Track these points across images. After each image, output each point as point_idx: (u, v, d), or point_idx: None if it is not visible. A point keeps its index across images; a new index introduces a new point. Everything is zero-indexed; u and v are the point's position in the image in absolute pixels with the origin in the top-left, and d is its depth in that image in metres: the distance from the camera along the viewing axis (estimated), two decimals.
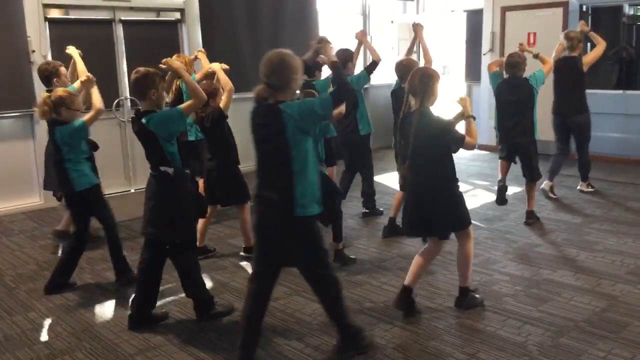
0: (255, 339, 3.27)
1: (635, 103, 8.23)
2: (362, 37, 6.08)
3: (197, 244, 4.99)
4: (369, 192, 6.24)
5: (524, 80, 5.52)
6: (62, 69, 5.21)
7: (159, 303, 4.08)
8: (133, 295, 3.96)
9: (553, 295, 4.16)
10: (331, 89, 3.23)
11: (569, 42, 6.39)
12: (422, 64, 5.87)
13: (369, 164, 6.14)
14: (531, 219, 5.82)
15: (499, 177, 5.95)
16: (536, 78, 5.54)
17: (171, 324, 3.91)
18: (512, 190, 6.92)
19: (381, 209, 6.27)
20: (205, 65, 5.55)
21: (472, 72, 10.10)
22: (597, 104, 8.25)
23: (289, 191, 2.99)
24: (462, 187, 7.23)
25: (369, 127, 5.98)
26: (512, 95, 5.59)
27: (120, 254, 4.61)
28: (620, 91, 8.43)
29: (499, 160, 5.98)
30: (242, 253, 5.11)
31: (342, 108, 4.30)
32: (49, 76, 5.15)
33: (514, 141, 5.70)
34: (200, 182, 5.71)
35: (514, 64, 5.53)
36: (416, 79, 3.67)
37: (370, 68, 5.82)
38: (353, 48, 6.06)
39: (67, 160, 4.30)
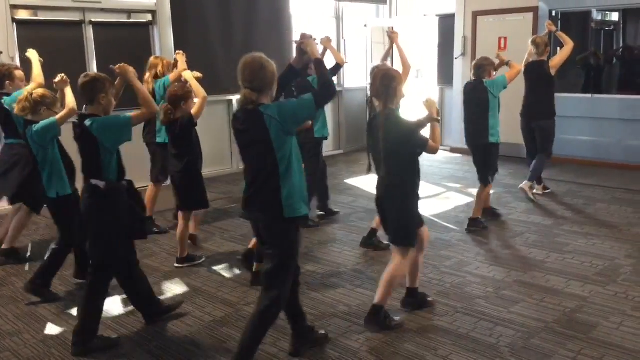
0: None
1: (603, 107, 8.40)
2: (327, 43, 6.09)
3: (180, 254, 4.94)
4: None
5: (481, 83, 5.55)
6: (17, 72, 5.06)
7: (124, 310, 4.03)
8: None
9: (524, 297, 4.21)
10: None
11: (536, 48, 6.49)
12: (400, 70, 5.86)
13: (314, 171, 5.91)
14: (474, 226, 5.70)
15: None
16: (494, 82, 5.55)
17: (143, 331, 3.85)
18: None
19: (315, 221, 6.08)
20: (182, 67, 5.52)
21: (445, 76, 10.20)
22: (566, 108, 8.42)
23: (276, 193, 2.99)
24: (435, 189, 7.43)
25: (324, 130, 5.92)
26: (470, 96, 5.70)
27: (50, 273, 4.36)
28: (589, 95, 8.59)
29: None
30: (175, 264, 4.95)
31: (307, 123, 4.31)
32: (1, 78, 5.01)
33: (470, 142, 5.80)
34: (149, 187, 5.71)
35: (478, 66, 5.60)
36: (377, 81, 3.65)
37: (334, 70, 5.84)
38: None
39: (41, 163, 4.15)
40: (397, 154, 3.61)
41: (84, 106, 3.61)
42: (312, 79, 5.42)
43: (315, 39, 3.32)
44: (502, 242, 5.41)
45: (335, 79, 7.01)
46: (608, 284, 4.41)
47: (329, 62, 6.26)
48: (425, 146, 3.63)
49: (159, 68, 5.75)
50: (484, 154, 5.66)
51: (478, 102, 5.57)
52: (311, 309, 4.08)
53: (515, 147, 8.41)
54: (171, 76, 5.48)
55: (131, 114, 3.52)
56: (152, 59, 5.98)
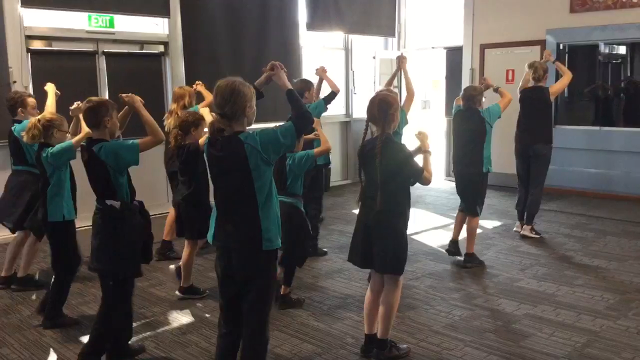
0: None
1: (611, 139, 8.40)
2: (322, 73, 6.21)
3: (183, 283, 4.90)
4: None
5: (477, 112, 5.55)
6: (30, 100, 5.12)
7: (135, 338, 4.00)
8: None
9: (534, 331, 4.16)
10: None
11: (534, 73, 6.42)
12: (403, 95, 5.90)
13: (318, 197, 5.92)
14: (470, 262, 5.58)
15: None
16: (490, 112, 5.56)
17: (146, 359, 3.83)
18: (492, 224, 6.99)
19: (325, 249, 6.09)
20: (209, 97, 5.58)
21: (452, 108, 10.21)
22: (575, 140, 8.45)
23: (255, 225, 2.89)
24: (441, 220, 7.40)
25: (325, 157, 5.89)
26: (464, 125, 5.67)
27: (59, 302, 4.36)
28: (597, 127, 8.60)
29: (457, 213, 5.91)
30: (177, 292, 4.92)
31: (328, 145, 4.32)
32: (14, 105, 5.08)
33: (462, 172, 5.71)
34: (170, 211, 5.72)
35: (469, 96, 5.59)
36: (375, 107, 3.62)
37: (329, 98, 5.97)
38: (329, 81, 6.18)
39: (52, 186, 4.21)
40: (394, 180, 3.57)
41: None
42: (308, 106, 5.42)
43: (285, 70, 3.24)
44: (511, 275, 5.36)
45: (343, 108, 6.98)
46: (619, 318, 4.35)
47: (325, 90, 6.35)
48: (419, 175, 3.61)
49: (187, 99, 5.81)
50: (477, 184, 5.60)
51: (474, 132, 5.55)
52: (318, 341, 4.04)
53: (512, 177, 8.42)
54: (200, 106, 5.56)
55: (139, 140, 3.60)
56: (177, 89, 6.04)
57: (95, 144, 3.50)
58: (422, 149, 3.80)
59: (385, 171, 3.55)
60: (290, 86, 3.07)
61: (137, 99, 3.73)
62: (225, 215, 2.99)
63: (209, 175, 4.96)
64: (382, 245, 3.59)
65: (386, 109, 3.59)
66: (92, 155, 3.51)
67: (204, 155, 3.05)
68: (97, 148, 3.48)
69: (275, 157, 2.97)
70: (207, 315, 4.55)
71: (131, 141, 3.61)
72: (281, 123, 2.96)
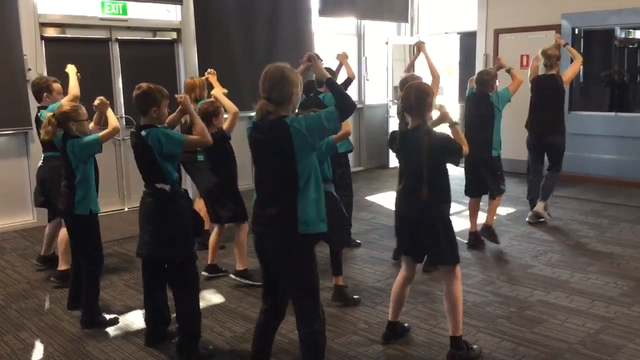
0: None
1: (627, 125, 8.31)
2: (343, 58, 6.15)
3: (209, 261, 5.03)
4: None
5: (487, 96, 5.54)
6: (55, 85, 5.11)
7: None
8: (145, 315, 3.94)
9: (547, 317, 4.16)
10: None
11: (547, 60, 6.32)
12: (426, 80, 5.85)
13: (348, 184, 5.88)
14: (488, 234, 5.75)
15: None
16: (499, 96, 5.56)
17: (162, 345, 3.87)
18: (505, 210, 6.97)
19: (358, 241, 6.01)
20: (217, 86, 5.59)
21: (465, 94, 10.16)
22: (590, 126, 8.36)
23: (292, 207, 2.90)
24: (457, 207, 7.36)
25: (348, 143, 5.83)
26: (475, 109, 5.69)
27: (94, 297, 4.24)
28: (613, 113, 8.51)
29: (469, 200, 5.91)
30: (232, 275, 4.98)
31: (348, 128, 4.33)
32: (39, 91, 5.08)
33: (472, 154, 5.69)
34: (197, 201, 5.72)
35: (483, 81, 5.60)
36: (412, 96, 3.50)
37: (345, 85, 5.90)
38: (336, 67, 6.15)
39: (79, 179, 4.12)
40: (440, 169, 3.53)
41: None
42: (323, 97, 5.44)
43: (322, 60, 3.25)
44: (525, 261, 5.35)
45: (356, 94, 6.83)
46: (633, 305, 4.34)
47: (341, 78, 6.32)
48: (462, 151, 3.56)
49: (197, 90, 5.77)
50: (492, 166, 5.64)
51: (483, 116, 5.58)
52: (331, 326, 4.06)
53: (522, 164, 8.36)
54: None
55: (187, 136, 3.69)
56: (187, 80, 6.00)
57: (144, 129, 3.56)
58: (449, 122, 3.73)
59: (433, 160, 3.48)
60: (329, 75, 3.09)
61: (190, 106, 3.79)
62: (266, 198, 3.03)
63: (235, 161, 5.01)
64: (434, 237, 3.52)
65: (424, 98, 3.49)
66: (140, 140, 3.57)
67: (247, 138, 3.08)
68: (145, 133, 3.54)
69: (319, 142, 3.01)
70: (221, 301, 4.59)
71: (179, 134, 3.70)
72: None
